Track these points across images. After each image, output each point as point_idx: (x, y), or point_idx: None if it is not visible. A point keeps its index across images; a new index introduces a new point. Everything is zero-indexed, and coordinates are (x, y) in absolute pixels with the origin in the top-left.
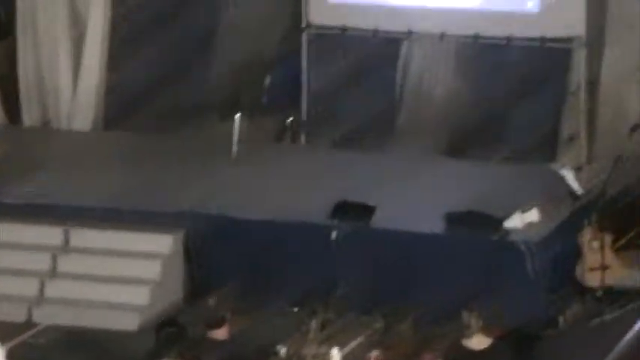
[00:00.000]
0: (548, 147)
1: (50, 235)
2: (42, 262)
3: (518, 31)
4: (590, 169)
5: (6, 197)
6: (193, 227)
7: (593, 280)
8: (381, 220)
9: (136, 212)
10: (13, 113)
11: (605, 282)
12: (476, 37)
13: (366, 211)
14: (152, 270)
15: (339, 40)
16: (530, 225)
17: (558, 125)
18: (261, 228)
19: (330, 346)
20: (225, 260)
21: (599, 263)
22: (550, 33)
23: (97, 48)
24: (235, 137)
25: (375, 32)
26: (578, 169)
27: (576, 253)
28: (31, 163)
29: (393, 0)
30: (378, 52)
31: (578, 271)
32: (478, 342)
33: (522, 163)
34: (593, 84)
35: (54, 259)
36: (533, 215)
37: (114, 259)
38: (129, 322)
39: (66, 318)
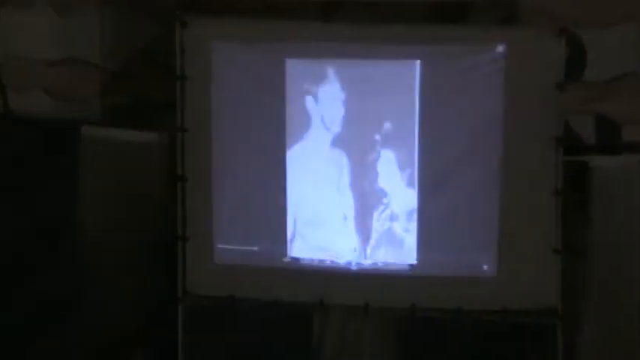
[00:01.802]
0: None
1: None
2: None
3: (471, 300)
4: None
5: None
6: None
7: None
8: None
9: None
10: None
11: None
12: (412, 308)
13: None
14: None
15: (224, 312)
16: None
17: None
18: None
19: None
20: None
21: None
22: (513, 304)
23: None
24: None
25: (280, 302)
26: None
27: None
28: None
29: (301, 265)
30: (279, 325)
31: None
32: None
33: None
34: None
35: None
36: None
37: None
38: None
39: None
